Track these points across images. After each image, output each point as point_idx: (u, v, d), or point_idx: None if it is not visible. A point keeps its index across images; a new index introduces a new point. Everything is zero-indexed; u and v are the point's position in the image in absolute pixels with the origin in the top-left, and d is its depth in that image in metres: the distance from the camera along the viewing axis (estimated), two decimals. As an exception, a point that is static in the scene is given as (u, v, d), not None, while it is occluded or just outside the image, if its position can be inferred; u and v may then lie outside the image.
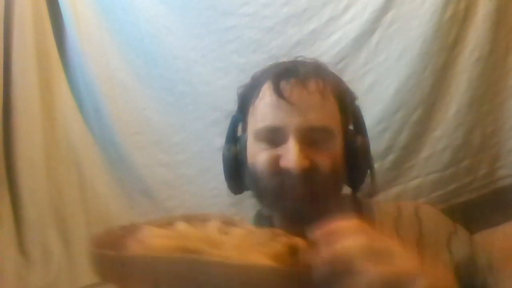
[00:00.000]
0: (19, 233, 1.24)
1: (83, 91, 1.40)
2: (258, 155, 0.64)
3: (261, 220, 0.72)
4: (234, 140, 0.72)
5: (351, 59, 1.25)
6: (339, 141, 0.65)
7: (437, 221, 0.67)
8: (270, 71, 0.70)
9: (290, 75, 0.66)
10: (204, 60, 1.34)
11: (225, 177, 0.71)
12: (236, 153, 0.69)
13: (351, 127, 0.71)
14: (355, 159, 0.66)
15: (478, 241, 0.66)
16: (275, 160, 0.62)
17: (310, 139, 0.62)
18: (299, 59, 0.74)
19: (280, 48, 1.29)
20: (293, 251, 0.42)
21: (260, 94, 0.67)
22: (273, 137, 0.64)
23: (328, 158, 0.63)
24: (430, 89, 1.21)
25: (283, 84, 0.65)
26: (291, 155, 0.60)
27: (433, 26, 1.18)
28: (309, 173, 0.60)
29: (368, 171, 0.69)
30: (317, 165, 0.62)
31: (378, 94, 1.24)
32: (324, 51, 1.27)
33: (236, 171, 0.69)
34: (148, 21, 1.37)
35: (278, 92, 0.64)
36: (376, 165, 1.23)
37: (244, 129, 0.72)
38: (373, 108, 1.23)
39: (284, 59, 0.74)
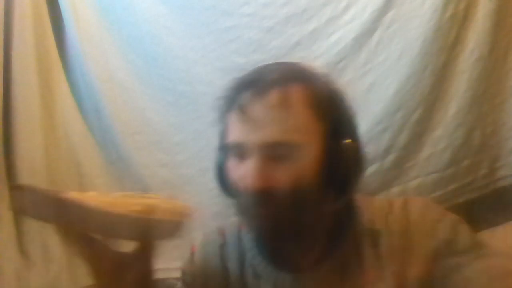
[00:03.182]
0: (19, 233, 1.24)
1: (83, 91, 1.40)
2: (229, 170, 0.64)
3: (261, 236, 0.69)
4: (220, 148, 0.69)
5: (351, 59, 1.25)
6: (311, 153, 0.60)
7: (424, 211, 0.65)
8: (238, 81, 0.67)
9: (251, 87, 0.62)
10: (204, 60, 1.34)
11: (219, 185, 0.69)
12: (222, 165, 0.67)
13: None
14: (338, 167, 0.60)
15: (466, 228, 0.65)
16: (239, 179, 0.61)
17: (272, 155, 0.59)
18: (282, 62, 0.70)
19: (280, 48, 1.29)
20: (150, 208, 0.55)
21: (231, 109, 0.65)
22: (239, 152, 0.61)
23: (291, 175, 0.59)
24: (430, 89, 1.21)
25: (244, 97, 0.61)
26: (248, 175, 0.59)
27: (433, 26, 1.18)
28: (266, 195, 0.58)
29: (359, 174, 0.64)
30: (277, 185, 0.58)
31: (378, 94, 1.24)
32: (324, 51, 1.27)
33: (224, 180, 0.67)
34: (148, 21, 1.37)
35: (239, 106, 0.61)
36: (376, 165, 1.24)
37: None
38: (373, 108, 1.23)
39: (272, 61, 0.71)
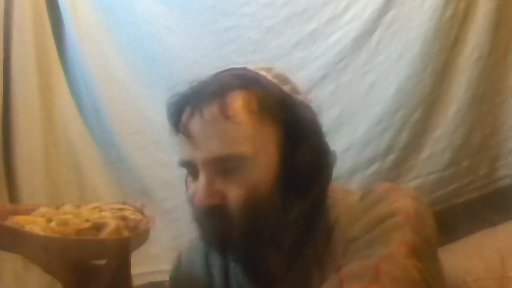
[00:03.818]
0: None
1: (83, 91, 1.39)
2: (186, 187, 0.64)
3: None
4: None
5: (351, 59, 1.25)
6: (262, 161, 0.57)
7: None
8: (176, 99, 0.66)
9: (189, 104, 0.61)
10: (204, 60, 1.34)
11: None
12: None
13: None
14: (297, 172, 0.58)
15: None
16: (192, 196, 0.60)
17: (221, 169, 0.57)
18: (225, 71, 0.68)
19: (280, 48, 1.29)
20: (97, 227, 0.56)
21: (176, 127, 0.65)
22: (190, 171, 0.61)
23: (243, 187, 0.57)
24: (430, 89, 1.21)
25: (184, 116, 0.61)
26: (197, 193, 0.58)
27: (433, 26, 1.18)
28: (215, 211, 0.57)
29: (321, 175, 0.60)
30: (226, 200, 0.57)
31: (378, 94, 1.23)
32: (324, 51, 1.27)
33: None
34: (148, 21, 1.37)
35: (181, 126, 0.61)
36: (376, 165, 1.24)
37: None
38: (373, 108, 1.23)
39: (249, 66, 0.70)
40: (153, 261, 1.31)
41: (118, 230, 0.57)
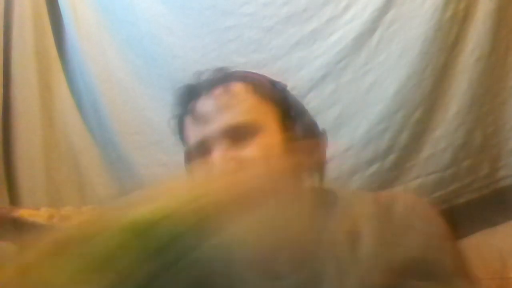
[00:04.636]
0: (19, 233, 1.24)
1: (83, 91, 1.40)
2: (195, 172, 0.65)
3: None
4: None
5: (351, 59, 1.25)
6: (272, 132, 0.63)
7: (409, 213, 0.63)
8: (178, 97, 0.73)
9: (194, 93, 0.68)
10: (204, 60, 1.34)
11: None
12: None
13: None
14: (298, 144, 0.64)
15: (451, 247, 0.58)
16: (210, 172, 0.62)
17: (233, 138, 0.62)
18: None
19: (280, 48, 1.29)
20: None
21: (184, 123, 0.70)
22: (203, 150, 0.64)
23: (260, 149, 0.61)
24: (430, 89, 1.20)
25: (192, 103, 0.67)
26: (217, 161, 0.60)
27: (433, 26, 1.18)
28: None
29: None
30: (247, 160, 0.60)
31: (378, 94, 1.23)
32: (324, 51, 1.27)
33: None
34: (148, 21, 1.37)
35: (189, 111, 0.66)
36: (377, 165, 1.24)
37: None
38: (373, 108, 1.23)
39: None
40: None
41: None
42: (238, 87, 0.66)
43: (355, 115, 1.25)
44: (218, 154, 0.61)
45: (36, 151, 1.29)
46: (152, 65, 1.38)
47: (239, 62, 1.30)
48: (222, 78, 0.68)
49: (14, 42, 1.27)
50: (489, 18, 1.16)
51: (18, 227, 0.52)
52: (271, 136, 0.63)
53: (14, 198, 1.25)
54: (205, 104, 0.65)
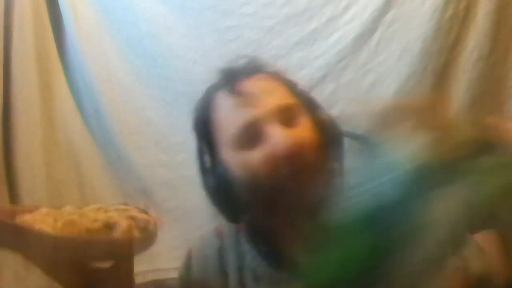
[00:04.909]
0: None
1: (83, 91, 1.39)
2: (247, 162, 0.61)
3: (262, 236, 0.68)
4: (209, 170, 0.70)
5: (351, 59, 1.25)
6: (304, 117, 0.63)
7: None
8: (210, 88, 0.71)
9: (235, 76, 0.67)
10: (204, 60, 1.34)
11: (221, 208, 0.67)
12: (220, 181, 0.65)
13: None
14: (323, 134, 0.64)
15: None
16: (267, 154, 0.59)
17: (284, 120, 0.61)
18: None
19: (280, 48, 1.29)
20: (108, 226, 0.53)
21: (216, 108, 0.67)
22: (251, 136, 0.61)
23: (306, 131, 0.62)
24: (430, 89, 1.21)
25: (236, 85, 0.65)
26: (278, 141, 0.59)
27: (433, 26, 1.18)
28: (299, 155, 0.58)
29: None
30: (301, 138, 0.60)
31: (378, 94, 1.23)
32: (324, 51, 1.27)
33: (230, 197, 0.64)
34: (148, 21, 1.37)
35: (235, 91, 0.64)
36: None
37: (214, 153, 0.69)
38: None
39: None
40: (154, 259, 1.32)
41: (130, 229, 0.54)
42: (270, 74, 0.68)
43: (355, 115, 1.25)
44: (279, 131, 0.59)
45: (36, 151, 1.28)
46: (152, 65, 1.38)
47: (239, 62, 1.30)
48: (258, 65, 0.70)
49: (14, 42, 1.27)
50: (489, 18, 1.17)
51: (20, 234, 0.49)
52: (307, 121, 0.63)
53: (14, 198, 1.25)
54: (250, 85, 0.64)
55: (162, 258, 1.31)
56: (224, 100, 0.66)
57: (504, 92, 1.21)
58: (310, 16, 1.28)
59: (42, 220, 0.53)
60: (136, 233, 0.55)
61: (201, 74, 1.35)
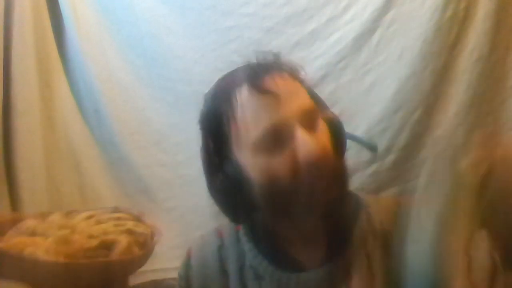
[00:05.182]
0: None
1: (83, 91, 1.40)
2: (268, 166, 0.58)
3: (264, 236, 0.67)
4: (217, 168, 0.64)
5: (351, 59, 1.25)
6: (322, 120, 0.61)
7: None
8: (229, 82, 0.66)
9: (258, 72, 0.62)
10: (204, 60, 1.34)
11: (227, 209, 0.64)
12: (230, 181, 0.61)
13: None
14: (336, 136, 0.62)
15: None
16: (292, 159, 0.57)
17: (308, 124, 0.58)
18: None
19: (280, 48, 1.28)
20: (105, 245, 0.50)
21: (238, 105, 0.61)
22: (276, 139, 0.58)
23: (326, 135, 0.60)
24: (430, 89, 1.21)
25: (260, 82, 0.60)
26: (305, 146, 0.56)
27: (433, 26, 1.18)
28: (326, 160, 0.57)
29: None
30: (325, 143, 0.59)
31: (378, 94, 1.24)
32: (324, 51, 1.27)
33: (239, 198, 0.61)
34: (148, 21, 1.37)
35: (261, 89, 0.59)
36: (376, 165, 1.24)
37: (225, 151, 0.64)
38: (373, 108, 1.23)
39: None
40: (154, 259, 1.31)
41: (130, 247, 0.51)
42: (290, 74, 0.64)
43: (355, 115, 1.25)
44: (307, 137, 0.56)
45: (36, 151, 1.29)
46: (152, 65, 1.38)
47: (239, 62, 1.30)
48: (275, 63, 0.66)
49: (14, 42, 1.27)
50: (489, 18, 1.17)
51: (17, 262, 0.46)
52: (324, 126, 0.61)
53: (14, 198, 1.25)
54: (276, 85, 0.59)
55: (161, 258, 1.31)
56: (248, 97, 0.60)
57: (504, 92, 1.21)
58: (310, 16, 1.28)
59: (32, 242, 0.49)
60: (136, 250, 0.52)
61: (201, 74, 1.35)
